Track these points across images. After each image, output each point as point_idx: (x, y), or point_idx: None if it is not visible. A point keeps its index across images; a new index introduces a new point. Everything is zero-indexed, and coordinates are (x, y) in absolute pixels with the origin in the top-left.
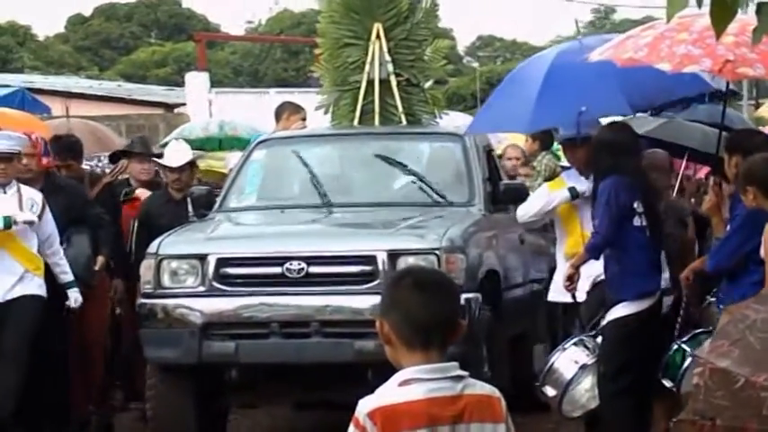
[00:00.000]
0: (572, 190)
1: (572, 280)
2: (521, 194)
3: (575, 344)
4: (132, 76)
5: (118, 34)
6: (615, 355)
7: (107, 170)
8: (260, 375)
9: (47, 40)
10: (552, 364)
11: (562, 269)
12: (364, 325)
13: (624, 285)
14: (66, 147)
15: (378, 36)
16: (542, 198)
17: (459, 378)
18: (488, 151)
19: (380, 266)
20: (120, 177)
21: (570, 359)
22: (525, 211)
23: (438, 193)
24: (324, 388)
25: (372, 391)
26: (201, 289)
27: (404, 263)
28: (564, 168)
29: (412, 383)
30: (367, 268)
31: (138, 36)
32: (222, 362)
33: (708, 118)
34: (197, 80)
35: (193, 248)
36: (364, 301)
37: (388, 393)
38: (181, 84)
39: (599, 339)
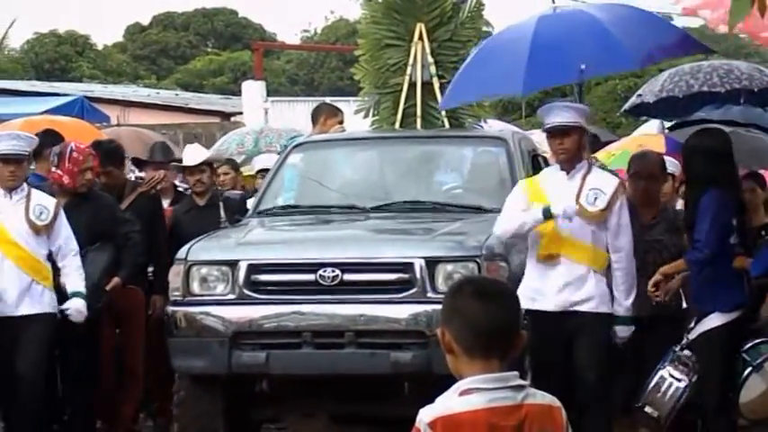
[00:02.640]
0: (545, 211)
1: (658, 287)
2: None
3: (671, 361)
4: (189, 85)
5: (175, 43)
6: (716, 366)
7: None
8: (291, 387)
9: (105, 50)
10: (656, 384)
11: (532, 271)
12: (401, 335)
13: (718, 296)
14: (107, 153)
15: (420, 37)
16: (514, 220)
17: (520, 388)
18: (534, 156)
19: (418, 274)
20: (159, 187)
21: (674, 378)
22: (502, 230)
23: (480, 199)
24: (358, 401)
25: (408, 405)
26: (232, 296)
27: (442, 270)
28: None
29: (473, 393)
30: (404, 276)
31: (195, 45)
32: (252, 372)
33: (742, 119)
34: (253, 89)
35: (224, 254)
36: (401, 311)
37: (449, 403)
38: (237, 93)
39: (686, 352)
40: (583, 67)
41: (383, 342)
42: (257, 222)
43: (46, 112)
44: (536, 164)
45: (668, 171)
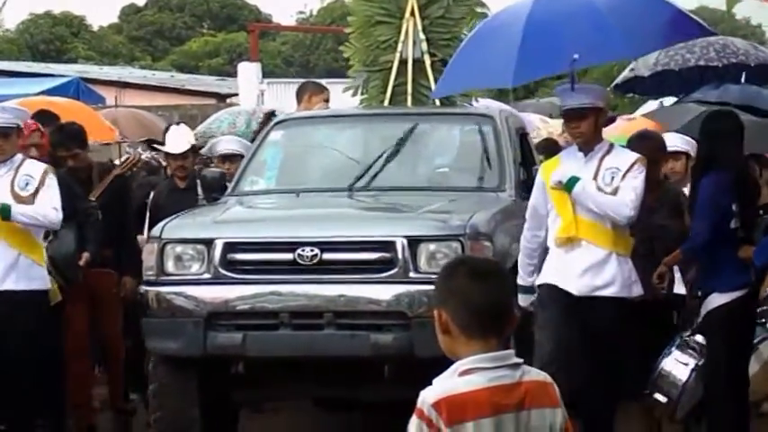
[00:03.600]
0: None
1: (663, 278)
2: None
3: (678, 346)
4: (185, 67)
5: (170, 24)
6: (718, 348)
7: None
8: (268, 370)
9: (101, 31)
10: (661, 369)
11: (552, 254)
12: (381, 317)
13: (717, 278)
14: (71, 135)
15: (412, 13)
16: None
17: (517, 366)
18: (522, 134)
19: (400, 253)
20: (134, 169)
21: (679, 362)
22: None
23: (466, 178)
24: (337, 384)
25: (388, 388)
26: (207, 276)
27: (425, 250)
28: None
29: (473, 373)
30: (385, 255)
31: (191, 26)
32: (228, 354)
33: (739, 99)
34: (249, 70)
35: (199, 232)
36: (382, 291)
37: (451, 383)
38: (233, 74)
39: (698, 337)
40: (576, 56)
41: (363, 323)
42: (235, 200)
43: (41, 93)
44: (524, 142)
45: (682, 150)
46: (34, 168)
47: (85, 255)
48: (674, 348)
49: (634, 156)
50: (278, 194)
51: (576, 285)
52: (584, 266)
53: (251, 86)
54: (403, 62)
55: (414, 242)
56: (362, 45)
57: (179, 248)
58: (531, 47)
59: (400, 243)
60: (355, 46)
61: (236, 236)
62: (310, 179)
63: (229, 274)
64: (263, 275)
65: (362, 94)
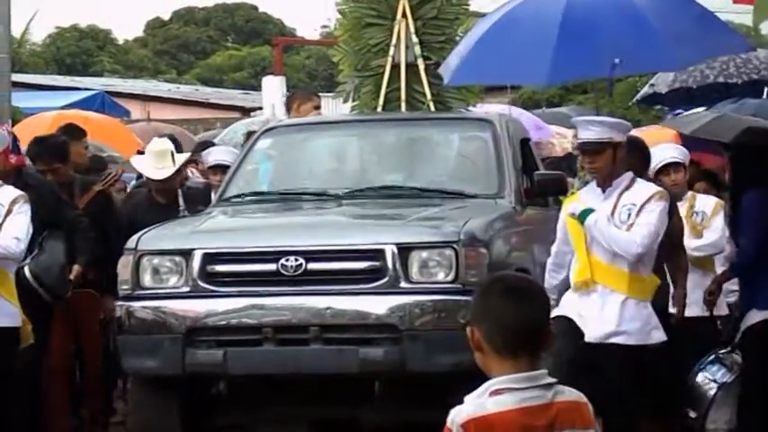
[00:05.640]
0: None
1: (714, 295)
2: (558, 187)
3: (711, 362)
4: (209, 80)
5: (195, 38)
6: (754, 365)
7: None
8: (252, 389)
9: (126, 44)
10: (692, 384)
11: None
12: (371, 330)
13: (757, 295)
14: (52, 149)
15: (404, 15)
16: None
17: (550, 386)
18: (523, 140)
19: (389, 262)
20: (116, 186)
21: (709, 378)
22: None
23: (463, 184)
24: (325, 404)
25: (380, 406)
26: (186, 289)
27: (417, 258)
28: None
29: (504, 393)
30: (374, 264)
31: (216, 40)
32: (209, 372)
33: (757, 113)
34: (273, 84)
35: (177, 243)
36: (371, 303)
37: (481, 403)
38: (257, 88)
39: (735, 356)
40: (617, 61)
41: (351, 338)
42: (219, 210)
43: (67, 106)
44: (525, 149)
45: (680, 161)
46: (4, 196)
47: (76, 267)
48: (706, 364)
49: (652, 189)
50: (264, 203)
51: (590, 332)
52: (598, 313)
53: (275, 100)
54: (395, 67)
55: (404, 250)
56: (353, 49)
57: (156, 260)
58: (568, 46)
59: (390, 251)
60: (345, 50)
61: (215, 246)
62: (299, 187)
63: (209, 286)
64: (245, 288)
65: (354, 100)
